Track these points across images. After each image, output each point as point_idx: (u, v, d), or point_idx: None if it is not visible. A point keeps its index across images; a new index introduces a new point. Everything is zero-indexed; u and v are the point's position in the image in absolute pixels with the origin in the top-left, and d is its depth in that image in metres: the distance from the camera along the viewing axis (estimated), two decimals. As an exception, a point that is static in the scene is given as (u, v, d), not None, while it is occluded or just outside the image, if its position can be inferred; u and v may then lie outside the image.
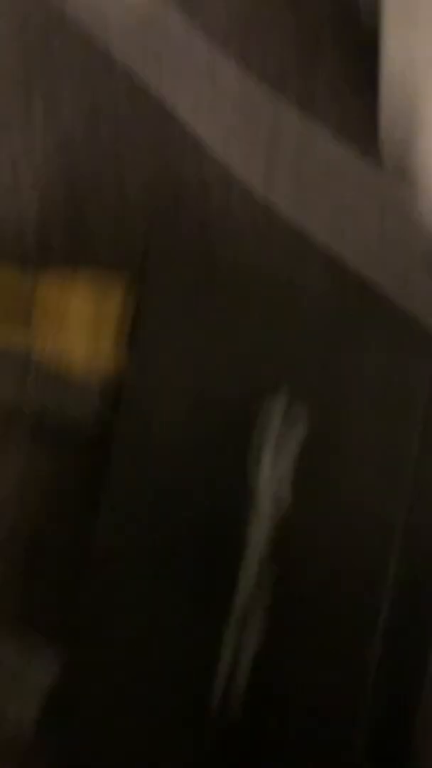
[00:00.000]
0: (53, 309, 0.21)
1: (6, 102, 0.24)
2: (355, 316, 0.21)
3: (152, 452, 0.20)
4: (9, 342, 0.21)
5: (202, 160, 0.23)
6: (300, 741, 0.19)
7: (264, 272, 0.22)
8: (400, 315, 0.21)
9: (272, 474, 0.20)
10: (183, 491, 0.19)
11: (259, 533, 0.19)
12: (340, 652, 0.19)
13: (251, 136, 0.23)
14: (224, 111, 0.23)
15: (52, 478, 0.22)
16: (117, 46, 0.24)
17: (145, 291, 0.20)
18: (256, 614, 0.19)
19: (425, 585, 0.20)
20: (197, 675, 0.19)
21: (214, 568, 0.19)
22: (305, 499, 0.19)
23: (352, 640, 0.19)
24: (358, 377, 0.20)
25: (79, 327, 0.21)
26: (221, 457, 0.20)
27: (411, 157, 0.21)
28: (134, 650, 0.19)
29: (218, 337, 0.20)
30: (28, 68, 0.24)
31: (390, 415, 0.20)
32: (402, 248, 0.23)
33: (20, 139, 0.24)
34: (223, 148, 0.23)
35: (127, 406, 0.20)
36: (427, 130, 0.21)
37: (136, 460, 0.20)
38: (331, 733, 0.19)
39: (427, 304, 0.22)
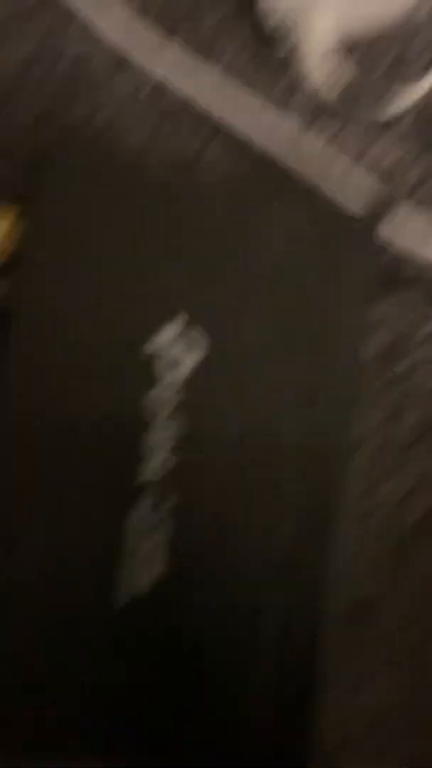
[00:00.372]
0: None
1: None
2: (248, 192, 0.21)
3: (42, 393, 0.19)
4: None
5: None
6: (202, 656, 0.19)
7: (164, 159, 0.22)
8: (305, 194, 0.21)
9: (166, 396, 0.19)
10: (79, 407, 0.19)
11: (159, 439, 0.19)
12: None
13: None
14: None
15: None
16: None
17: (35, 211, 0.20)
18: (157, 519, 0.19)
19: (324, 509, 0.19)
20: (100, 571, 0.19)
21: (110, 480, 0.19)
22: (196, 422, 0.19)
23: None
24: (258, 284, 0.20)
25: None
26: (115, 385, 0.19)
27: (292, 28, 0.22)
28: (35, 549, 0.19)
29: (112, 260, 0.20)
30: None
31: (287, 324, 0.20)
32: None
33: None
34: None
35: (18, 328, 0.19)
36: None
37: (25, 396, 0.19)
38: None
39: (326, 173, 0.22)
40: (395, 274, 0.22)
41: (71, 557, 0.19)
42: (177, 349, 0.20)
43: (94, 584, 0.19)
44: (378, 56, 0.23)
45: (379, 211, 0.21)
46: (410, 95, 0.22)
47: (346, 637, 0.20)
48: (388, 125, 0.23)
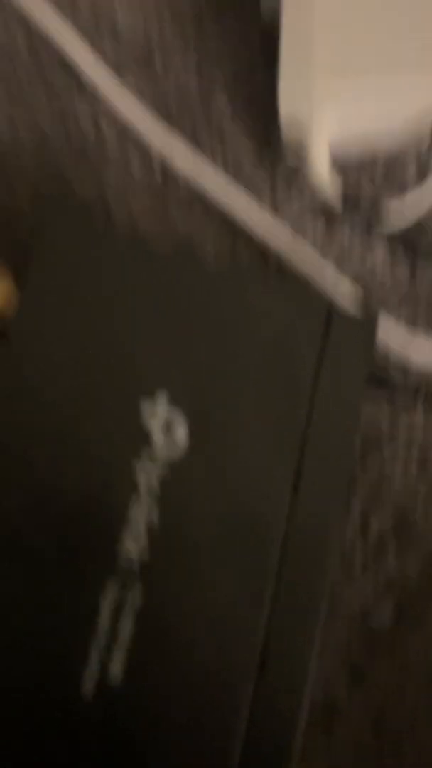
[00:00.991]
0: None
1: None
2: (247, 277, 0.20)
3: (25, 455, 0.18)
4: None
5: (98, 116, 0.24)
6: (173, 745, 0.17)
7: (160, 235, 0.22)
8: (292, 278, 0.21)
9: (147, 476, 0.19)
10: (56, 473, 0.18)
11: (138, 520, 0.18)
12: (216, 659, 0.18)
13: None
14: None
15: None
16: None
17: (32, 268, 0.20)
18: (128, 606, 0.18)
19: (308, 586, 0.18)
20: (68, 659, 0.17)
21: (85, 564, 0.18)
22: (175, 503, 0.18)
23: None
24: (244, 367, 0.19)
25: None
26: (95, 460, 0.19)
27: (305, 143, 0.22)
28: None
29: (99, 331, 0.19)
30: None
31: (276, 403, 0.19)
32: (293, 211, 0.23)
33: None
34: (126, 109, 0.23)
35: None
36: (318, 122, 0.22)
37: (7, 459, 0.18)
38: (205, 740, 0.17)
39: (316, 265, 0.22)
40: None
41: (40, 637, 0.17)
42: (161, 425, 0.19)
43: (63, 667, 0.17)
44: (376, 168, 0.24)
45: (371, 312, 0.21)
46: (406, 210, 0.23)
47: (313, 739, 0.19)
48: (382, 236, 0.23)
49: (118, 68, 0.24)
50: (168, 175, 0.24)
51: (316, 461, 0.19)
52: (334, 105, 0.22)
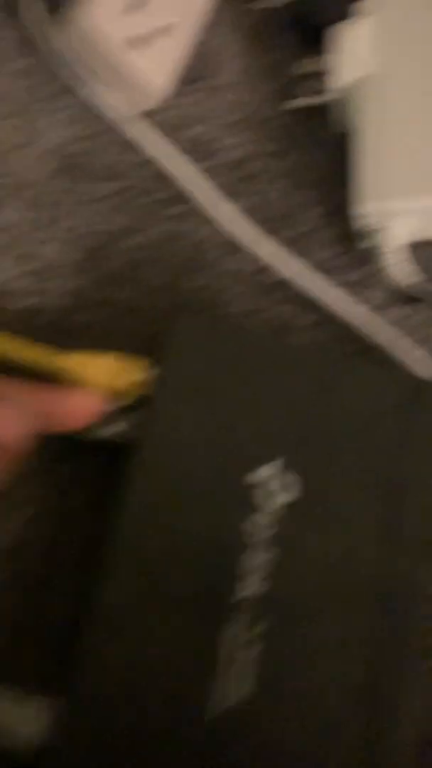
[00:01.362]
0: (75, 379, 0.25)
1: (41, 204, 0.29)
2: (344, 364, 0.24)
3: (153, 516, 0.22)
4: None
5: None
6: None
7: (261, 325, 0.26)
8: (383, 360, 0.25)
9: (262, 525, 0.22)
10: (183, 545, 0.22)
11: (254, 563, 0.22)
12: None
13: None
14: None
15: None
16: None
17: (163, 370, 0.24)
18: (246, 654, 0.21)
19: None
20: (195, 687, 0.21)
21: (205, 607, 0.22)
22: (288, 556, 0.22)
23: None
24: (346, 439, 0.23)
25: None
26: (219, 510, 0.23)
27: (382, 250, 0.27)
28: (132, 655, 0.21)
29: (223, 405, 0.24)
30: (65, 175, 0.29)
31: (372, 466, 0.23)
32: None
33: (56, 246, 0.29)
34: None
35: (135, 462, 0.23)
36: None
37: (138, 518, 0.22)
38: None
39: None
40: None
41: (166, 667, 0.21)
42: (274, 487, 0.23)
43: (187, 694, 0.21)
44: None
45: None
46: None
47: None
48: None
49: (219, 188, 0.29)
50: (262, 270, 0.28)
51: (410, 517, 0.23)
52: (405, 220, 0.27)
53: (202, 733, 0.21)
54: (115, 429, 0.24)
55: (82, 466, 0.26)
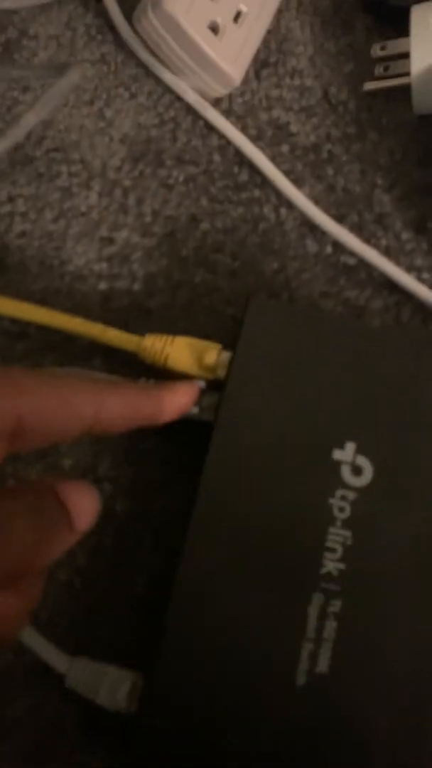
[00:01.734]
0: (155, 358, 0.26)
1: (119, 188, 0.29)
2: (418, 339, 0.24)
3: (235, 492, 0.23)
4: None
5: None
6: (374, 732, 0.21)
7: (337, 305, 0.26)
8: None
9: (345, 510, 0.23)
10: (264, 524, 0.22)
11: (338, 538, 0.22)
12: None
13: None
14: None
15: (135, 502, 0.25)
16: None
17: (240, 352, 0.24)
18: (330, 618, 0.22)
19: None
20: (284, 655, 0.21)
21: (292, 579, 0.22)
22: (364, 535, 0.22)
23: None
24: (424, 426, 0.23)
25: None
26: (301, 485, 0.23)
27: None
28: (228, 620, 0.21)
29: (300, 386, 0.24)
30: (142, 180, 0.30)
31: None
32: None
33: (134, 231, 0.29)
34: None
35: (216, 440, 0.23)
36: None
37: (220, 494, 0.23)
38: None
39: None
40: None
41: (260, 634, 0.22)
42: (357, 466, 0.23)
43: (277, 664, 0.21)
44: None
45: None
46: None
47: None
48: None
49: (293, 172, 0.30)
50: (337, 248, 0.28)
51: None
52: None
53: (291, 702, 0.21)
54: (194, 410, 0.25)
55: (157, 446, 0.26)
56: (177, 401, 0.23)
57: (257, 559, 0.22)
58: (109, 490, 0.26)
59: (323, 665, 0.21)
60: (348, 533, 0.23)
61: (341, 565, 0.22)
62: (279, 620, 0.22)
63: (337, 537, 0.23)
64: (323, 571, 0.22)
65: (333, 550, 0.22)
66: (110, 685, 0.22)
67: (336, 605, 0.22)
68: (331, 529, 0.23)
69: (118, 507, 0.26)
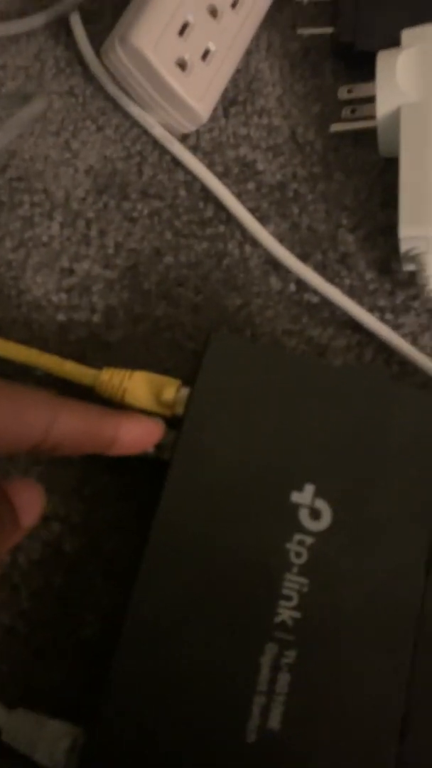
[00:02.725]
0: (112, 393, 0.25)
1: (82, 220, 0.29)
2: (379, 378, 0.24)
3: (189, 533, 0.22)
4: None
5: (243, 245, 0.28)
6: None
7: (299, 343, 0.26)
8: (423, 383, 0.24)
9: (300, 548, 0.22)
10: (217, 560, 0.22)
11: (292, 586, 0.22)
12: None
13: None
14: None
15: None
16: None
17: (198, 388, 0.23)
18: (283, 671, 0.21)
19: None
20: (234, 710, 0.20)
21: (245, 627, 0.21)
22: (321, 582, 0.22)
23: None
24: (383, 470, 0.22)
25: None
26: (256, 530, 0.22)
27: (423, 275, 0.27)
28: (176, 674, 0.20)
29: (258, 424, 0.23)
30: (105, 215, 0.29)
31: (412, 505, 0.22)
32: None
33: (96, 262, 0.28)
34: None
35: (171, 479, 0.22)
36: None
37: (173, 535, 0.22)
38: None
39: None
40: None
41: (210, 686, 0.21)
42: (315, 509, 0.22)
43: (226, 718, 0.20)
44: None
45: None
46: None
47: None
48: None
49: (259, 210, 0.29)
50: (301, 286, 0.28)
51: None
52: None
53: (241, 761, 0.20)
54: (150, 448, 0.24)
55: (110, 482, 0.26)
56: (134, 432, 0.22)
57: (209, 606, 0.21)
58: (58, 529, 0.25)
59: (275, 721, 0.20)
60: (304, 580, 0.22)
61: (296, 614, 0.21)
62: (230, 672, 0.21)
63: (293, 584, 0.22)
64: (278, 619, 0.21)
65: (288, 598, 0.22)
66: (49, 741, 0.21)
67: (290, 657, 0.21)
68: (287, 576, 0.22)
69: (67, 547, 0.25)
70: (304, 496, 0.23)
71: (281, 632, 0.21)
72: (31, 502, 0.18)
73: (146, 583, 0.21)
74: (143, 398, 0.25)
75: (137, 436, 0.22)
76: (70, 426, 0.20)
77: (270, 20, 0.32)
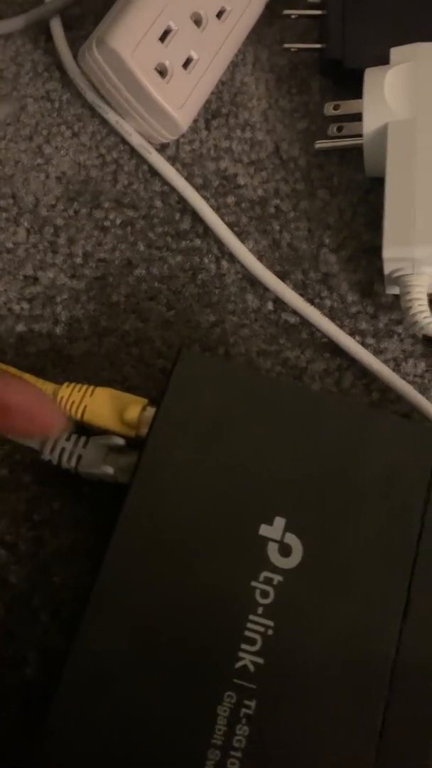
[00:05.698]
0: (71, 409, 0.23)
1: (51, 227, 0.27)
2: (357, 408, 0.22)
3: (145, 566, 0.20)
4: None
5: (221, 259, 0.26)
6: None
7: (275, 365, 0.24)
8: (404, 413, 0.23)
9: (264, 587, 0.20)
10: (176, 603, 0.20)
11: (258, 627, 0.19)
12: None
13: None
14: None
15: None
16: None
17: (164, 409, 0.22)
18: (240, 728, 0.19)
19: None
20: (187, 762, 0.18)
21: (202, 673, 0.19)
22: (288, 626, 0.20)
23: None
24: (357, 507, 0.21)
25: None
26: (217, 573, 0.20)
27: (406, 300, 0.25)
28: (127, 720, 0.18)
29: (230, 459, 0.21)
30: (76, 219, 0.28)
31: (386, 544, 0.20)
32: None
33: (62, 272, 0.27)
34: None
35: (129, 505, 0.20)
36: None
37: (127, 568, 0.20)
38: None
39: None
40: None
41: (160, 739, 0.18)
42: (283, 545, 0.21)
43: (186, 764, 0.18)
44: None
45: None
46: None
47: None
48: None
49: (238, 224, 0.28)
50: (279, 305, 0.27)
51: (426, 587, 0.20)
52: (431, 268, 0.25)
53: None
54: (106, 469, 0.22)
55: (63, 509, 0.23)
56: (19, 398, 0.18)
57: (164, 648, 0.19)
58: (4, 557, 0.23)
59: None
60: (270, 622, 0.20)
61: (259, 660, 0.19)
62: (183, 722, 0.19)
63: (257, 626, 0.20)
64: (238, 665, 0.19)
65: (251, 641, 0.20)
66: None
67: (250, 707, 0.19)
68: (251, 617, 0.20)
69: (12, 578, 0.22)
70: (274, 530, 0.21)
71: (241, 679, 0.19)
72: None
73: (94, 621, 0.19)
74: (105, 417, 0.23)
75: (28, 405, 0.18)
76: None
77: (258, 35, 0.31)
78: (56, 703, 0.18)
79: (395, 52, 0.28)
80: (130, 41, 0.26)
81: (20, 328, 0.26)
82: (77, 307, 0.26)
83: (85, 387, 0.23)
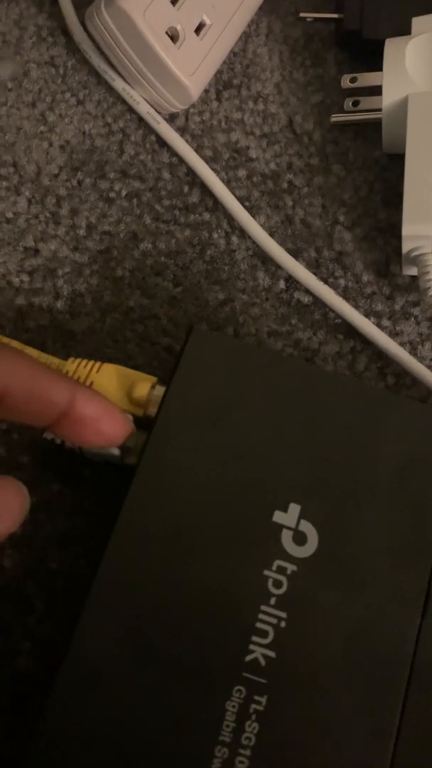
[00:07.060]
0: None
1: (54, 197, 0.26)
2: (374, 393, 0.21)
3: (151, 553, 0.19)
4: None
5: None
6: None
7: (286, 345, 0.23)
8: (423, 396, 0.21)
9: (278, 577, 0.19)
10: (180, 595, 0.18)
11: (268, 620, 0.18)
12: None
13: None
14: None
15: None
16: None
17: (173, 389, 0.20)
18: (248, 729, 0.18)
19: None
20: (195, 758, 0.17)
21: (210, 666, 0.18)
22: (301, 618, 0.18)
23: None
24: (372, 490, 0.20)
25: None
26: (228, 562, 0.19)
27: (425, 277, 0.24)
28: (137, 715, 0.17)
29: (241, 443, 0.20)
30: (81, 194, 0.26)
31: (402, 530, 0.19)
32: None
33: (64, 244, 0.26)
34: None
35: (135, 490, 0.19)
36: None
37: (131, 556, 0.19)
38: None
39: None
40: None
41: (164, 736, 0.17)
42: (290, 542, 0.19)
43: (192, 761, 0.17)
44: None
45: None
46: None
47: None
48: None
49: (249, 199, 0.27)
50: (291, 284, 0.25)
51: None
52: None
53: None
54: (114, 451, 0.21)
55: (62, 492, 0.22)
56: (93, 408, 0.18)
57: (171, 639, 0.18)
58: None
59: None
60: (282, 614, 0.19)
61: (270, 653, 0.18)
62: (190, 718, 0.17)
63: (270, 617, 0.19)
64: (248, 658, 0.18)
65: (263, 633, 0.18)
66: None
67: (260, 703, 0.18)
68: (263, 607, 0.19)
69: (6, 562, 0.21)
70: (289, 517, 0.19)
71: (252, 673, 0.18)
72: (11, 504, 0.16)
73: (95, 611, 0.18)
74: (112, 394, 0.22)
75: (96, 414, 0.18)
76: (12, 374, 0.16)
77: (271, 5, 0.29)
78: (54, 698, 0.17)
79: (417, 22, 0.26)
80: (140, 2, 0.25)
81: (20, 301, 0.25)
82: (80, 281, 0.25)
83: (91, 363, 0.22)
